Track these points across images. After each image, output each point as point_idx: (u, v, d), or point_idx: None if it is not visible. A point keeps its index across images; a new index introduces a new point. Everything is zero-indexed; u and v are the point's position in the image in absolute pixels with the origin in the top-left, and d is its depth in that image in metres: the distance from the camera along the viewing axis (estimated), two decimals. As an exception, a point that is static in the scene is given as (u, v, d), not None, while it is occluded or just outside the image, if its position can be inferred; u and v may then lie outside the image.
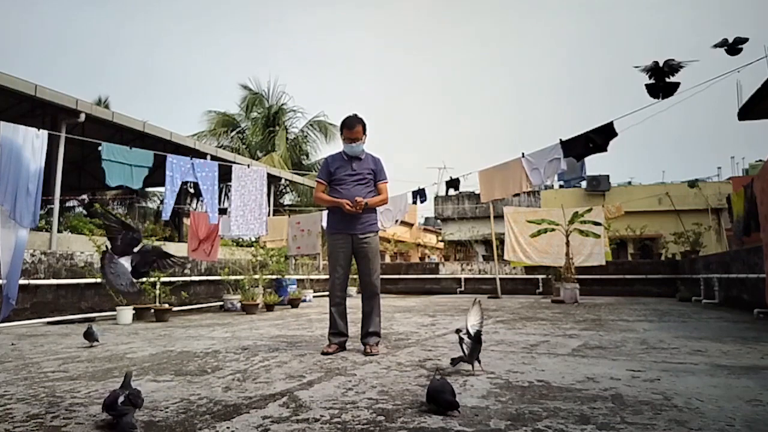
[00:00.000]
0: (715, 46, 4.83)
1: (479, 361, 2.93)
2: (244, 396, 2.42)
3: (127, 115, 8.92)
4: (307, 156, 20.13)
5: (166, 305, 6.88)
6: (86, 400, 2.35)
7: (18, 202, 5.08)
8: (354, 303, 4.33)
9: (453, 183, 9.24)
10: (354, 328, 3.97)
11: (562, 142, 6.42)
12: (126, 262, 2.45)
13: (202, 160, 7.33)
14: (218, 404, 2.27)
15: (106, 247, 2.55)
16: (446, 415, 2.07)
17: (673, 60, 5.04)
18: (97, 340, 4.15)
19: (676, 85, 5.01)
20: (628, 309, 7.97)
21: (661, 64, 5.07)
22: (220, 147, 16.55)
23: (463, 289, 13.94)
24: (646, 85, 5.10)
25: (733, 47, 4.77)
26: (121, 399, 2.00)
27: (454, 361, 3.00)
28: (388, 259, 21.89)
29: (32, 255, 6.15)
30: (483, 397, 2.38)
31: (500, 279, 12.67)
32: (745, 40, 4.73)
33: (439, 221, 25.71)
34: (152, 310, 6.75)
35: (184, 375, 2.94)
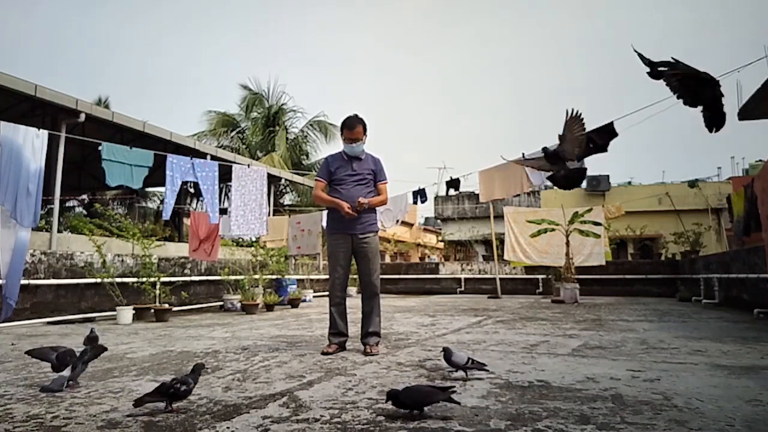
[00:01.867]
0: (640, 56, 4.45)
1: (475, 367, 2.85)
2: (244, 396, 2.42)
3: (127, 115, 8.93)
4: (307, 156, 20.15)
5: (166, 305, 6.88)
6: (86, 400, 2.35)
7: (18, 202, 5.09)
8: (354, 303, 4.33)
9: (453, 183, 9.25)
10: (354, 328, 3.97)
11: (562, 142, 6.41)
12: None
13: (202, 160, 7.34)
14: (218, 404, 2.27)
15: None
16: (414, 415, 2.07)
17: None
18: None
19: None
20: (628, 309, 7.96)
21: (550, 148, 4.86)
22: (220, 147, 16.56)
23: (463, 289, 13.94)
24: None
25: (656, 70, 4.38)
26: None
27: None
28: (388, 259, 21.89)
29: (32, 255, 6.14)
30: (483, 397, 2.38)
31: (500, 279, 12.66)
32: (672, 64, 4.39)
33: (439, 221, 25.71)
34: (152, 310, 6.75)
35: (184, 375, 2.94)
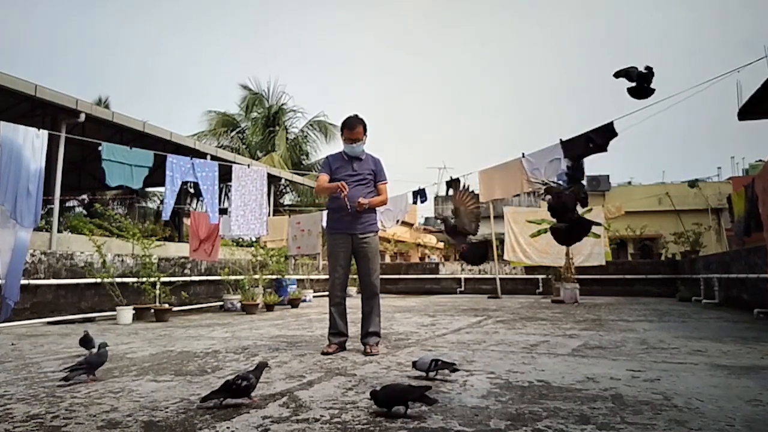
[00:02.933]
0: (618, 75, 4.15)
1: (441, 368, 2.81)
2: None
3: (127, 115, 8.93)
4: (307, 156, 20.14)
5: (166, 305, 6.88)
6: (86, 400, 2.35)
7: (18, 202, 5.09)
8: (354, 303, 4.33)
9: (453, 183, 9.23)
10: (354, 328, 3.97)
11: (562, 142, 6.42)
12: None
13: (202, 160, 7.33)
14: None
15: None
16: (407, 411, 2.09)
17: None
18: (94, 347, 3.51)
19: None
20: (628, 309, 7.97)
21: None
22: (220, 147, 16.55)
23: (463, 289, 13.94)
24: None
25: (641, 86, 4.17)
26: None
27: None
28: (388, 259, 21.87)
29: (32, 255, 6.15)
30: (483, 397, 2.38)
31: (500, 279, 12.66)
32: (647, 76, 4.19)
33: (439, 221, 25.69)
34: (152, 310, 6.75)
35: (184, 375, 2.94)
